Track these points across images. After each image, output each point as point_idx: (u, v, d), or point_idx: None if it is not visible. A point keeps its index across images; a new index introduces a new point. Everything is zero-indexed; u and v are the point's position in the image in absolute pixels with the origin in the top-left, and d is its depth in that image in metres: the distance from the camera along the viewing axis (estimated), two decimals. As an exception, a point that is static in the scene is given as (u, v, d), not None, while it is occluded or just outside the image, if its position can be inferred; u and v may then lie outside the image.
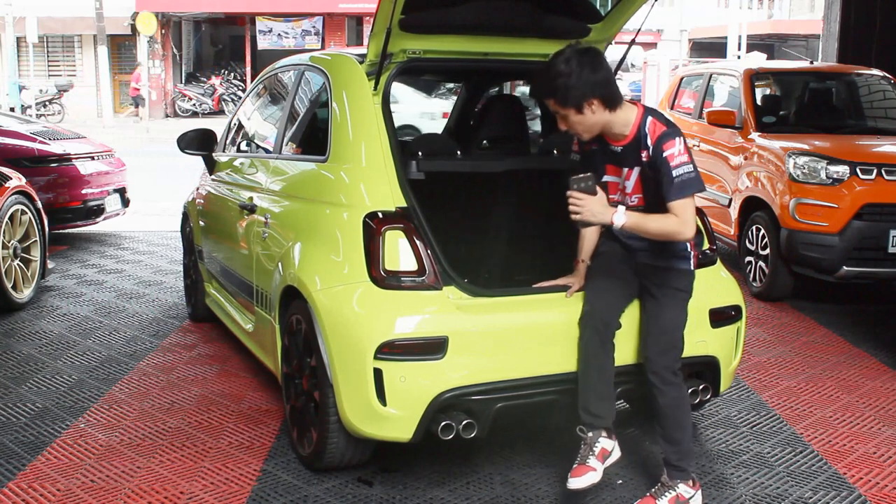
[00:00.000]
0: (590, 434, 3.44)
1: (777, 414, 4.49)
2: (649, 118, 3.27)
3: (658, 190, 3.23)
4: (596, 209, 3.17)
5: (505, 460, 3.86)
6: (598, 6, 4.21)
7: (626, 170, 3.35)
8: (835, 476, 3.78)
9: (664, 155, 3.18)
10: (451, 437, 3.28)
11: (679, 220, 3.18)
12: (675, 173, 3.15)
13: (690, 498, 3.38)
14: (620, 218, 3.19)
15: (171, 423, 4.27)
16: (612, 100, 3.24)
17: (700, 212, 3.68)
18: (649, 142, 3.23)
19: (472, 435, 3.31)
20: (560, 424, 3.71)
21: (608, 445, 3.46)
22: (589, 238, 3.61)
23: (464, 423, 3.28)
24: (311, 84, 4.44)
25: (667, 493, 3.38)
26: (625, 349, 3.53)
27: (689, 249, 3.37)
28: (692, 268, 3.40)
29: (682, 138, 3.22)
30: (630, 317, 3.61)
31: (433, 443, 3.38)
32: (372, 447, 3.64)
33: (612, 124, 3.29)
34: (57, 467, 3.78)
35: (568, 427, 4.12)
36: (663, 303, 3.38)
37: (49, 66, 31.10)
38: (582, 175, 3.20)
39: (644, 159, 3.26)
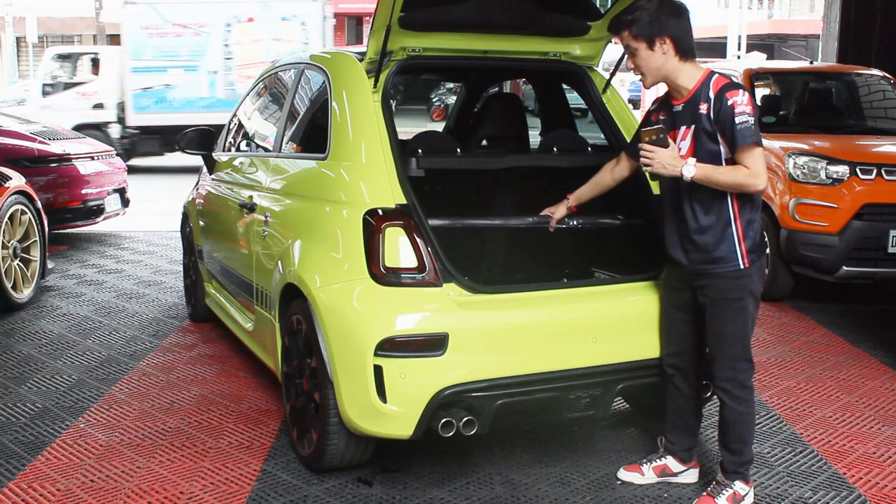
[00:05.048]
0: (661, 448, 3.69)
1: (777, 414, 4.49)
2: (715, 75, 3.28)
3: (709, 151, 3.22)
4: (666, 160, 3.21)
5: (505, 460, 3.86)
6: (597, 4, 4.20)
7: (682, 129, 3.32)
8: (835, 476, 3.78)
9: (728, 102, 3.16)
10: (451, 434, 3.28)
11: (748, 172, 3.15)
12: (737, 120, 3.14)
13: (746, 495, 3.43)
14: (690, 170, 3.18)
15: (171, 423, 4.26)
16: (685, 48, 3.27)
17: None
18: (711, 94, 3.22)
19: (473, 432, 3.30)
20: (560, 424, 3.71)
21: (673, 466, 3.64)
22: (590, 187, 3.74)
23: (464, 420, 3.28)
24: (311, 82, 4.44)
25: (724, 491, 3.42)
26: (623, 347, 3.54)
27: (738, 244, 3.27)
28: (743, 265, 3.28)
29: (746, 92, 3.20)
30: (629, 313, 3.62)
31: (433, 441, 3.38)
32: (372, 447, 3.63)
33: (678, 73, 3.29)
34: (57, 467, 3.78)
35: (568, 427, 4.13)
36: (718, 315, 3.34)
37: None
38: (654, 127, 3.27)
39: (704, 112, 3.23)
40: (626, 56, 4.31)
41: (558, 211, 3.81)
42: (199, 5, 15.87)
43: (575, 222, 3.88)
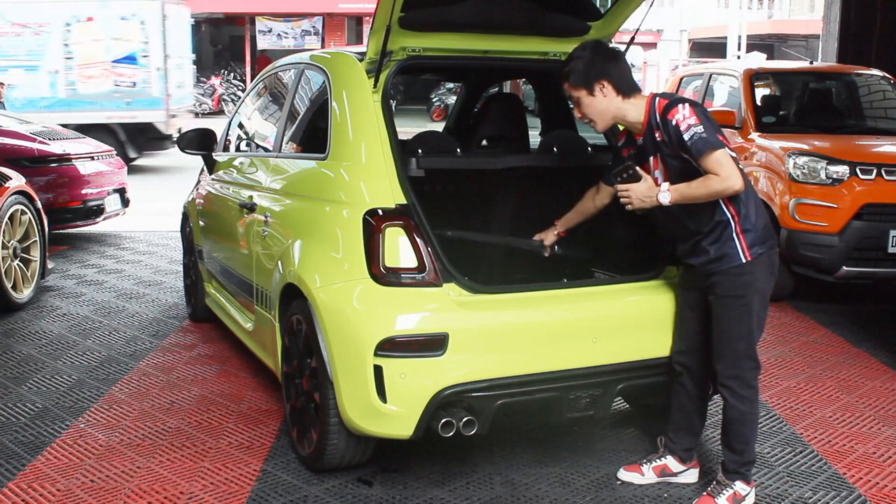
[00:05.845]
0: (661, 448, 3.70)
1: (777, 414, 4.49)
2: (657, 99, 3.32)
3: (682, 169, 3.24)
4: (642, 195, 3.28)
5: (505, 460, 3.86)
6: (597, 4, 4.20)
7: (651, 159, 3.36)
8: (835, 476, 3.78)
9: (672, 123, 3.20)
10: (451, 434, 3.28)
11: (719, 178, 3.15)
12: (685, 136, 3.16)
13: (746, 495, 3.43)
14: (665, 196, 3.23)
15: (171, 423, 4.27)
16: (625, 86, 3.32)
17: None
18: (657, 119, 3.26)
19: (473, 432, 3.30)
20: (560, 424, 3.71)
21: (673, 466, 3.65)
22: (575, 215, 3.79)
23: (464, 420, 3.28)
24: (311, 83, 4.44)
25: (725, 491, 3.42)
26: (623, 347, 3.54)
27: (738, 241, 3.27)
28: (745, 259, 3.28)
29: (686, 104, 3.21)
30: (629, 313, 3.62)
31: (433, 442, 3.38)
32: (372, 447, 3.63)
33: (625, 112, 3.35)
34: (57, 467, 3.78)
35: (568, 427, 4.13)
36: (722, 314, 3.34)
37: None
38: (621, 167, 3.32)
39: (659, 139, 3.28)
40: (624, 56, 4.33)
41: (548, 237, 3.85)
42: (39, 4, 15.75)
43: (557, 248, 3.94)
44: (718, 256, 3.31)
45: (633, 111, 3.35)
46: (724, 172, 3.15)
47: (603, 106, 3.35)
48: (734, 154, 3.22)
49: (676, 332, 3.58)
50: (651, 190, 3.27)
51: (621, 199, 3.34)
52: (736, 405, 3.37)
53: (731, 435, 3.41)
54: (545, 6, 3.97)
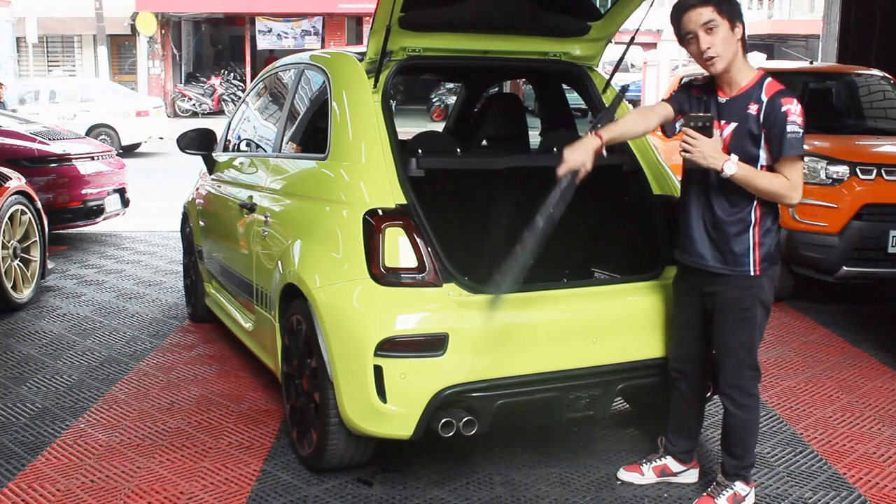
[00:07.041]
0: (661, 449, 3.69)
1: (777, 414, 4.49)
2: (769, 78, 3.21)
3: (750, 153, 3.15)
4: (708, 151, 3.11)
5: (505, 460, 3.86)
6: (597, 4, 4.20)
7: (723, 122, 3.23)
8: (835, 476, 3.78)
9: (783, 109, 3.09)
10: (451, 434, 3.28)
11: (788, 183, 3.11)
12: (788, 129, 3.08)
13: (746, 496, 3.43)
14: (732, 167, 3.09)
15: (171, 423, 4.26)
16: (745, 42, 3.22)
17: None
18: (763, 96, 3.15)
19: (473, 432, 3.30)
20: (560, 424, 3.71)
21: (673, 467, 3.64)
22: (619, 127, 3.33)
23: (464, 420, 3.28)
24: (311, 83, 4.44)
25: (725, 492, 3.42)
26: (623, 347, 3.54)
27: (752, 249, 3.22)
28: (754, 272, 3.22)
29: (800, 103, 3.13)
30: (629, 313, 3.62)
31: (433, 442, 3.38)
32: (372, 447, 3.63)
33: (739, 66, 3.21)
34: (57, 467, 3.78)
35: (568, 427, 4.13)
36: (726, 325, 3.30)
37: (49, 66, 31.11)
38: (701, 114, 3.17)
39: (753, 112, 3.15)
40: (624, 56, 4.28)
41: (588, 160, 3.25)
42: None
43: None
44: (728, 256, 3.22)
45: (744, 69, 3.21)
46: (795, 180, 3.12)
47: (733, 47, 3.15)
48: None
49: (672, 337, 3.56)
50: (719, 153, 3.11)
51: (682, 145, 3.13)
52: (737, 414, 3.35)
53: (731, 441, 3.40)
54: (545, 6, 3.97)
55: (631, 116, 3.44)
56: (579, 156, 3.23)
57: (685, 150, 3.14)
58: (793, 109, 3.10)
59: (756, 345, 3.33)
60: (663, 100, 3.48)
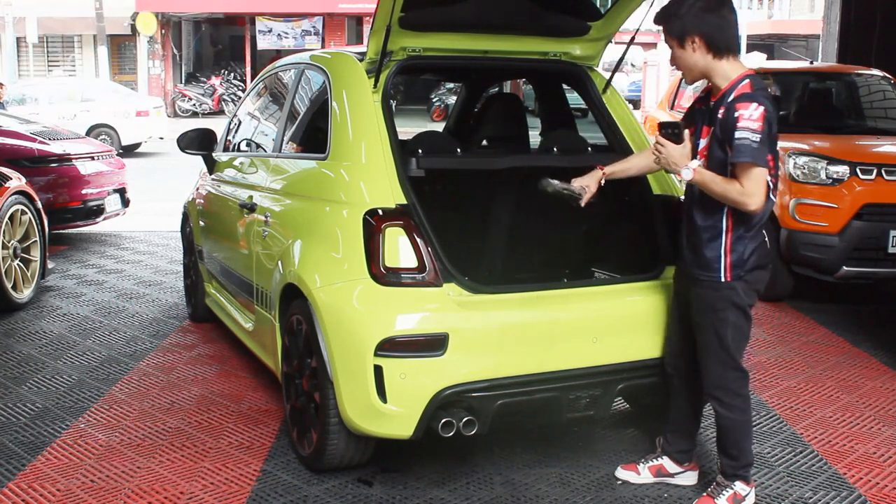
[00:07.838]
0: (659, 448, 3.70)
1: (777, 414, 4.49)
2: (748, 80, 3.17)
3: (719, 158, 3.16)
4: (672, 157, 3.24)
5: (505, 460, 3.86)
6: (597, 4, 4.21)
7: (704, 128, 3.27)
8: (835, 476, 3.78)
9: (735, 114, 3.07)
10: (451, 434, 3.28)
11: (741, 189, 3.07)
12: (737, 134, 3.04)
13: (746, 496, 3.42)
14: (688, 173, 3.18)
15: (171, 423, 4.26)
16: (717, 45, 3.19)
17: None
18: (729, 98, 3.14)
19: (473, 432, 3.30)
20: (560, 424, 3.71)
21: (670, 467, 3.64)
22: (624, 164, 3.63)
23: (464, 420, 3.28)
24: (311, 83, 4.44)
25: (725, 492, 3.42)
26: (623, 347, 3.54)
27: (723, 255, 3.23)
28: (724, 278, 3.23)
29: (761, 108, 3.05)
30: (629, 313, 3.62)
31: (433, 442, 3.38)
32: (372, 447, 3.63)
33: (712, 72, 3.23)
34: (57, 467, 3.78)
35: (568, 427, 4.13)
36: (701, 325, 3.33)
37: (49, 66, 31.11)
38: (671, 122, 3.31)
39: (720, 117, 3.15)
40: (624, 56, 4.35)
41: (592, 181, 3.54)
42: None
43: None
44: (701, 262, 3.27)
45: (721, 75, 3.21)
46: (748, 187, 3.06)
47: (691, 62, 3.23)
48: (771, 182, 3.16)
49: (668, 334, 3.57)
50: (682, 159, 3.22)
51: (653, 150, 3.32)
52: (726, 415, 3.35)
53: (725, 442, 3.41)
54: (545, 6, 3.97)
55: (639, 155, 3.68)
56: (584, 180, 3.54)
57: (655, 156, 3.33)
58: (746, 114, 3.04)
59: (736, 347, 3.32)
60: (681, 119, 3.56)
